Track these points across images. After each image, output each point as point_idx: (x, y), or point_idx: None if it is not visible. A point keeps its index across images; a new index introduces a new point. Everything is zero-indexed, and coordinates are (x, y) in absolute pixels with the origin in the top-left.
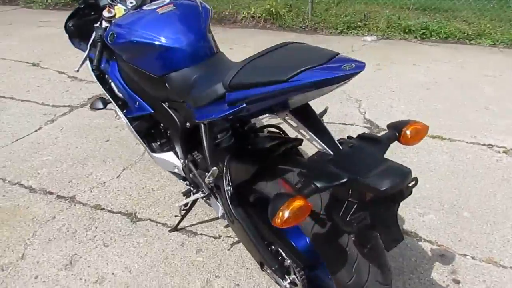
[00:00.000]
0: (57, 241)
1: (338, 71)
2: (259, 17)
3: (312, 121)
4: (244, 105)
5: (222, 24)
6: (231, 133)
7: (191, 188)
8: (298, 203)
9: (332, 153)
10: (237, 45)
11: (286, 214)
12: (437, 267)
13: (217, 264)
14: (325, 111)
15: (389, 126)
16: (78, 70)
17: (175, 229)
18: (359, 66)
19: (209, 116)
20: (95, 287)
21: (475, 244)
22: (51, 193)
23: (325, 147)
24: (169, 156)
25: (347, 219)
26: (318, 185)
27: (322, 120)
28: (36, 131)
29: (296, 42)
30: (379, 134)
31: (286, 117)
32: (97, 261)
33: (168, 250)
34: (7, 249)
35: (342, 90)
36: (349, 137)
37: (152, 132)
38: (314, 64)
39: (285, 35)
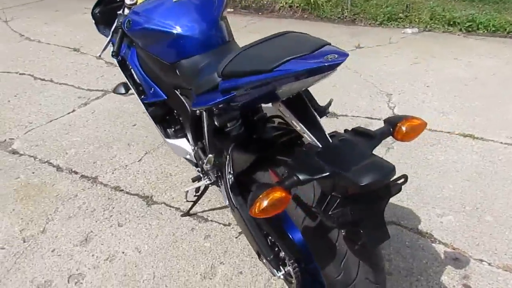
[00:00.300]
0: (76, 218)
1: (319, 62)
2: (297, 7)
3: (304, 112)
4: (234, 93)
5: (260, 13)
6: (241, 122)
7: (201, 175)
8: (276, 194)
9: (320, 145)
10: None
11: (263, 204)
12: (449, 270)
13: (223, 251)
14: (329, 104)
15: (385, 120)
16: (100, 56)
17: (187, 214)
18: (341, 57)
19: (203, 103)
20: (105, 264)
21: (494, 250)
22: (76, 172)
23: (314, 139)
24: (182, 143)
25: (329, 213)
26: (300, 177)
27: (328, 112)
28: (69, 113)
29: (295, 32)
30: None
31: (280, 108)
32: (110, 239)
33: (178, 234)
34: (30, 222)
35: (373, 83)
36: (345, 130)
37: (167, 118)
38: (299, 54)
39: (321, 25)
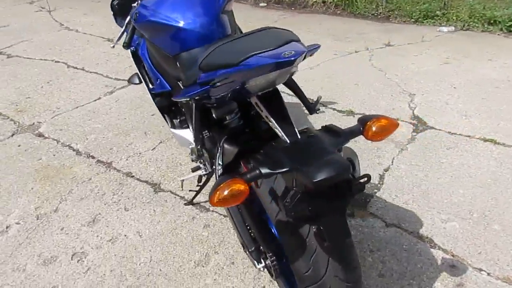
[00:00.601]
0: (87, 200)
1: (274, 58)
2: (330, 3)
3: (277, 108)
4: (209, 86)
5: (292, 8)
6: (239, 116)
7: (200, 165)
8: (235, 185)
9: (288, 141)
10: (301, 30)
11: (222, 194)
12: (444, 277)
13: (220, 241)
14: (317, 101)
15: (358, 119)
16: (113, 47)
17: (190, 203)
18: (296, 55)
19: (182, 95)
20: (107, 245)
21: (496, 260)
22: (93, 157)
23: (284, 135)
24: (185, 133)
25: (289, 207)
26: (262, 171)
27: (318, 109)
28: (95, 100)
29: (276, 28)
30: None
31: (256, 102)
32: (115, 222)
33: (179, 222)
34: (45, 201)
35: (397, 82)
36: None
37: (172, 109)
38: (265, 48)
39: (354, 22)
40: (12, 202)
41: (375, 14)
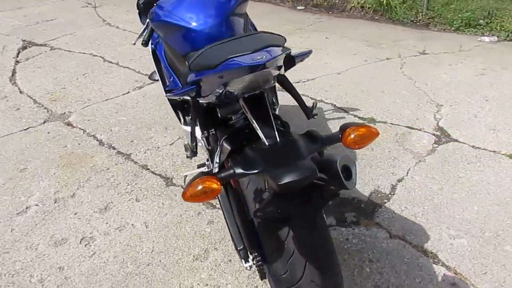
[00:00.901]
0: (102, 188)
1: (249, 61)
2: (368, 8)
3: (260, 111)
4: (193, 87)
5: (330, 12)
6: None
7: (206, 163)
8: (208, 183)
9: (267, 143)
10: (335, 34)
11: (194, 190)
12: None
13: (221, 238)
14: (313, 106)
15: (340, 126)
16: (135, 44)
17: None
18: (268, 58)
19: (172, 94)
20: (115, 232)
21: (501, 282)
22: (114, 148)
23: (263, 137)
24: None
25: (258, 208)
26: (236, 171)
27: (315, 114)
28: (124, 94)
29: (266, 32)
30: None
31: (243, 104)
32: (125, 211)
33: (184, 216)
34: (64, 187)
35: (426, 92)
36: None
37: (185, 107)
38: (243, 52)
39: (390, 28)
40: (35, 185)
41: (414, 21)
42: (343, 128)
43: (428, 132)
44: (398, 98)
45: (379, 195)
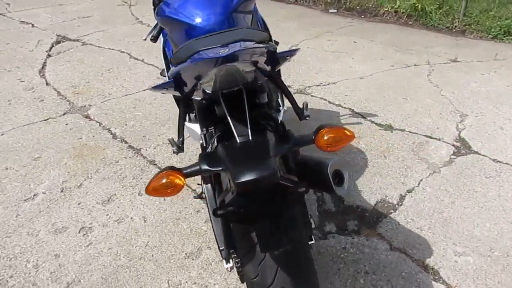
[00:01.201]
0: (108, 181)
1: (210, 55)
2: (402, 13)
3: (237, 108)
4: (171, 80)
5: (362, 16)
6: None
7: None
8: (171, 177)
9: (238, 141)
10: (364, 39)
11: (156, 184)
12: None
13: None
14: (303, 107)
15: (317, 128)
16: (145, 39)
17: (199, 196)
18: (230, 51)
19: (153, 87)
20: (113, 224)
21: None
22: (126, 142)
23: (236, 135)
24: (196, 127)
25: (220, 206)
26: (202, 167)
27: (307, 116)
28: (144, 90)
29: (246, 28)
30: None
31: (221, 100)
32: (126, 205)
33: (183, 213)
34: (73, 177)
35: (451, 101)
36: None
37: (189, 103)
38: (213, 45)
39: (423, 34)
40: (46, 173)
41: (450, 27)
42: (317, 130)
43: (448, 143)
44: (420, 106)
45: (385, 205)
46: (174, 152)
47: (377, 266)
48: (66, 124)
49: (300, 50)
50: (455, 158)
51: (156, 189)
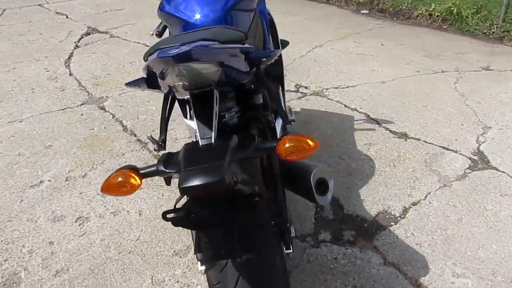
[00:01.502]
0: (111, 173)
1: (161, 54)
2: (437, 16)
3: (204, 109)
4: (142, 78)
5: (394, 18)
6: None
7: None
8: (125, 176)
9: (200, 144)
10: (392, 41)
11: (112, 182)
12: None
13: None
14: (287, 111)
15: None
16: (152, 34)
17: None
18: (181, 51)
19: (128, 83)
20: (109, 216)
21: None
22: (135, 135)
23: (199, 137)
24: (193, 124)
25: (170, 209)
26: (158, 168)
27: (292, 121)
28: None
29: (220, 27)
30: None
31: (189, 100)
32: (124, 198)
33: None
34: (79, 166)
35: (475, 111)
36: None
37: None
38: (173, 44)
39: (457, 39)
40: (54, 161)
41: (487, 33)
42: (281, 137)
43: (464, 155)
44: (441, 114)
45: (386, 217)
46: (154, 150)
47: (367, 280)
48: (82, 115)
49: (280, 51)
50: (470, 172)
51: (111, 186)
